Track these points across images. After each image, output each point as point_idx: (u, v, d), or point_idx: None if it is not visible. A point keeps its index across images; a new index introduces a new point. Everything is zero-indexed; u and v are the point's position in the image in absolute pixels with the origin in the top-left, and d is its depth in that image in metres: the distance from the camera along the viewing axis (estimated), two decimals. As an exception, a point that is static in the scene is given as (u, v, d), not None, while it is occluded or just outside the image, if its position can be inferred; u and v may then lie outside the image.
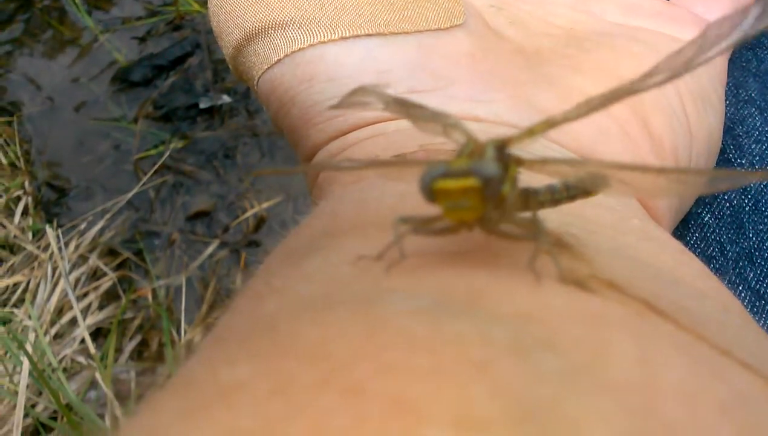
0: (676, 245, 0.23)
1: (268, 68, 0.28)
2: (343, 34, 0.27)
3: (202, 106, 1.23)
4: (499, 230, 0.16)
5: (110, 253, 1.11)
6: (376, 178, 0.23)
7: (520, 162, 0.17)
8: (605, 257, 0.18)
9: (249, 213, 1.12)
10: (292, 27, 0.28)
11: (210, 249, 1.10)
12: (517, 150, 0.17)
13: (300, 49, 0.28)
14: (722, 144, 0.36)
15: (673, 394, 0.13)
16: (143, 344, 1.02)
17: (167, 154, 1.19)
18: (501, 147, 0.16)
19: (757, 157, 0.37)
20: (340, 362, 0.12)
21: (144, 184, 1.17)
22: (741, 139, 0.37)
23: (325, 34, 0.27)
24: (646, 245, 0.21)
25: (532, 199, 0.17)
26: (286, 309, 0.15)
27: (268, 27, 0.28)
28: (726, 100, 0.36)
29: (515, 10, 0.32)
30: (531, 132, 0.17)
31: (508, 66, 0.29)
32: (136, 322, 1.04)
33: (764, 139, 0.37)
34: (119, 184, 1.19)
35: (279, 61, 0.28)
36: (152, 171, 1.18)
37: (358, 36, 0.28)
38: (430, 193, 0.15)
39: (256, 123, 1.21)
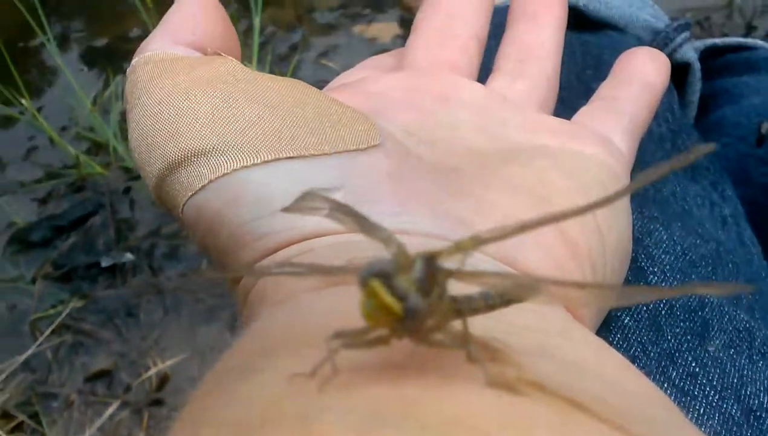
0: (598, 341, 0.24)
1: (193, 194, 0.29)
2: (265, 158, 0.29)
3: (103, 264, 1.22)
4: (428, 339, 0.17)
5: (4, 416, 1.06)
6: (305, 296, 0.24)
7: (449, 274, 0.17)
8: (531, 359, 0.18)
9: (152, 371, 1.10)
10: (215, 154, 0.29)
11: (110, 410, 1.06)
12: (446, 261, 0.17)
13: (224, 174, 0.28)
14: (634, 253, 0.38)
15: None
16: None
17: (65, 313, 1.16)
18: (430, 260, 0.17)
19: (668, 266, 0.39)
20: None
21: (40, 344, 1.13)
22: (651, 250, 0.39)
23: (248, 159, 0.28)
24: (570, 344, 0.21)
25: (464, 306, 0.18)
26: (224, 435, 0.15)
27: (191, 155, 0.29)
28: (633, 215, 0.38)
29: (425, 134, 0.34)
30: (459, 247, 0.17)
31: (425, 182, 0.30)
32: (30, 488, 0.98)
33: (671, 251, 0.40)
34: (14, 346, 1.14)
35: (204, 187, 0.29)
36: (49, 331, 1.14)
37: (279, 159, 0.29)
38: (363, 285, 0.16)
39: (160, 280, 1.20)
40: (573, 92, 0.47)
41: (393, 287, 0.16)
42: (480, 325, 0.18)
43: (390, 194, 0.29)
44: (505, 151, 0.33)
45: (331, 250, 0.27)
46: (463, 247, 0.17)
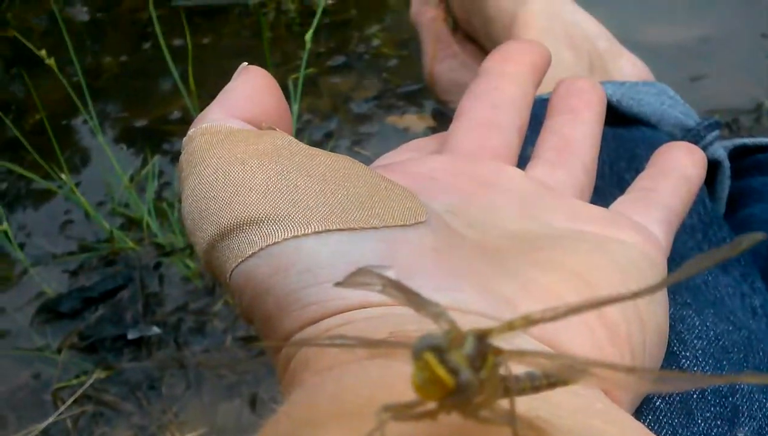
0: (638, 426, 0.24)
1: (242, 261, 0.30)
2: (316, 229, 0.29)
3: (130, 337, 1.22)
4: (476, 415, 0.17)
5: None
6: (350, 366, 0.24)
7: (499, 352, 0.17)
8: None
9: (170, 445, 1.09)
10: (267, 223, 0.29)
11: (126, 483, 1.05)
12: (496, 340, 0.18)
13: (275, 243, 0.29)
14: (668, 338, 0.39)
15: None
16: None
17: (88, 384, 1.16)
18: (481, 337, 0.17)
19: (700, 351, 0.39)
20: None
21: (61, 413, 1.13)
22: (684, 335, 0.40)
23: (299, 229, 0.29)
24: (611, 427, 0.22)
25: (511, 385, 0.18)
26: None
27: (244, 223, 0.30)
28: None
29: (468, 216, 0.34)
30: (510, 326, 0.18)
31: (470, 259, 0.31)
32: None
33: (704, 336, 0.40)
34: (35, 413, 1.14)
35: (254, 254, 0.29)
36: (71, 401, 1.14)
37: (329, 231, 0.29)
38: (417, 357, 0.16)
39: (185, 354, 1.20)
40: (606, 182, 0.49)
41: (446, 361, 0.16)
42: (525, 404, 0.18)
43: (435, 270, 0.30)
44: (548, 235, 0.34)
45: (371, 322, 0.27)
46: (515, 326, 0.18)
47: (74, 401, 1.14)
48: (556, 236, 0.34)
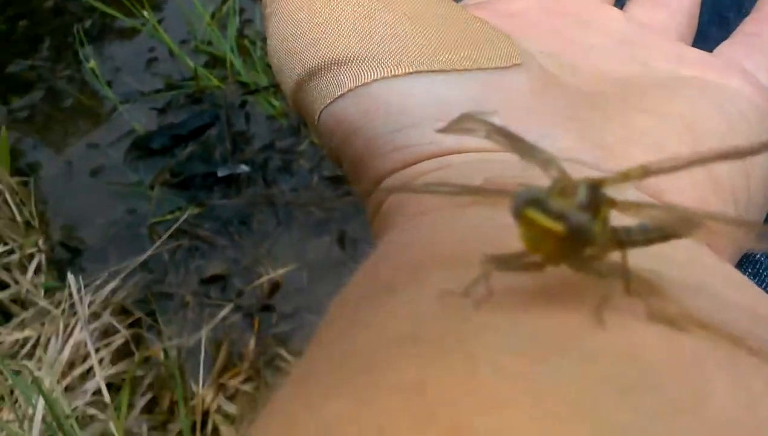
0: (749, 282, 0.23)
1: (331, 102, 0.29)
2: (407, 70, 0.28)
3: (219, 174, 1.25)
4: (586, 268, 0.16)
5: (123, 311, 1.11)
6: (448, 211, 0.23)
7: (612, 203, 0.17)
8: (689, 296, 0.18)
9: (263, 279, 1.13)
10: (356, 63, 0.28)
11: (223, 312, 1.10)
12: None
13: (365, 83, 0.28)
14: None
15: None
16: (154, 400, 1.01)
17: (183, 219, 1.20)
18: (594, 187, 0.16)
19: None
20: (440, 397, 0.12)
21: (158, 247, 1.18)
22: None
23: (390, 70, 0.28)
24: (722, 283, 0.21)
25: (623, 238, 0.17)
26: (378, 345, 0.15)
27: (332, 63, 0.29)
28: None
29: (566, 58, 0.33)
30: (626, 176, 0.17)
31: (568, 104, 0.30)
32: (147, 381, 1.03)
33: None
34: (133, 247, 1.19)
35: (342, 95, 0.28)
36: (167, 235, 1.19)
37: (420, 72, 0.28)
38: (518, 216, 0.15)
39: (273, 192, 1.22)
40: (705, 21, 0.46)
41: (549, 210, 0.15)
42: (635, 257, 0.17)
43: (531, 115, 0.29)
44: (650, 80, 0.32)
45: (468, 167, 0.26)
46: (630, 176, 0.17)
47: (170, 236, 1.19)
48: (659, 81, 0.32)
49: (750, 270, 0.35)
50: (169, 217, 1.22)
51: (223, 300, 1.12)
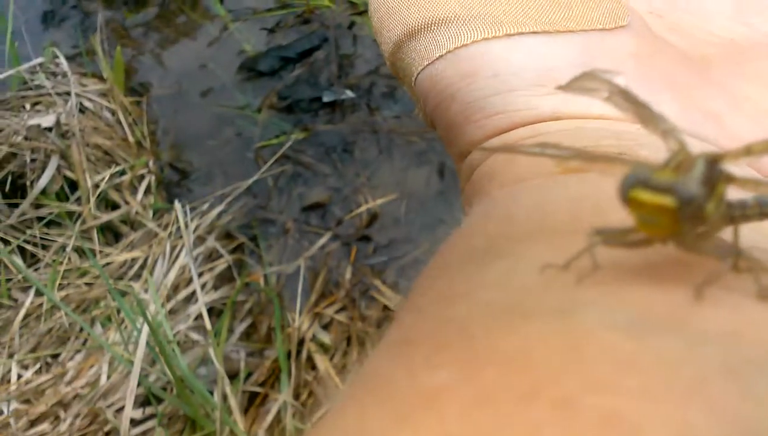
0: None
1: (429, 64, 0.28)
2: (508, 32, 0.27)
3: (325, 99, 1.25)
4: (696, 246, 0.16)
5: (227, 236, 1.14)
6: (547, 180, 0.23)
7: (730, 179, 0.16)
8: None
9: (362, 208, 1.14)
10: (455, 23, 0.28)
11: (322, 240, 1.12)
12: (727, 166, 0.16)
13: (463, 45, 0.27)
14: None
15: None
16: (252, 326, 1.05)
17: (288, 144, 1.21)
18: (713, 162, 0.16)
19: None
20: (545, 373, 0.12)
21: (263, 172, 1.20)
22: None
23: (490, 31, 0.27)
24: None
25: (737, 212, 0.17)
26: (478, 315, 0.15)
27: (431, 23, 0.28)
28: None
29: (675, 18, 0.31)
30: (749, 150, 0.16)
31: (674, 68, 0.28)
32: (247, 306, 1.06)
33: None
34: (239, 171, 1.21)
35: (441, 57, 0.28)
36: (272, 160, 1.20)
37: (522, 33, 0.27)
38: (626, 199, 0.15)
39: (377, 120, 1.22)
40: None
41: (657, 186, 0.15)
42: (745, 235, 0.17)
43: (635, 79, 0.27)
44: (761, 44, 0.31)
45: (565, 135, 0.26)
46: (753, 151, 0.16)
47: (275, 160, 1.21)
48: (766, 45, 0.31)
49: None
50: (274, 141, 1.24)
51: (323, 228, 1.14)
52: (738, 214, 0.17)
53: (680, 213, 0.15)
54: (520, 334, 0.13)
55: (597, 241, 0.16)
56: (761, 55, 0.30)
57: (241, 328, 1.03)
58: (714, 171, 0.16)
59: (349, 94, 1.25)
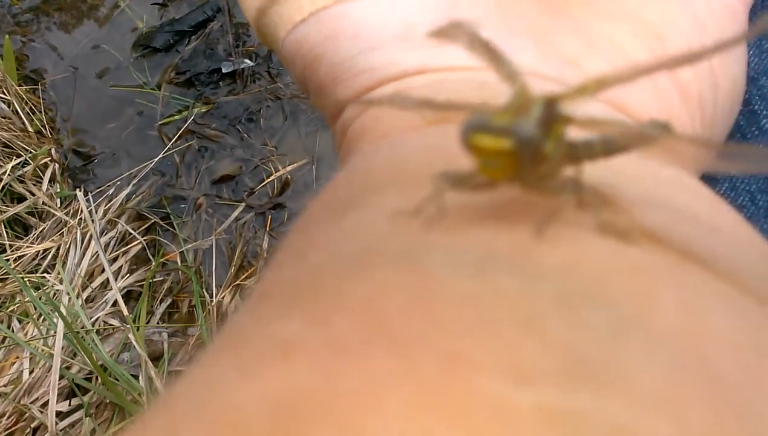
0: (710, 194, 0.22)
1: (293, 28, 0.28)
2: None
3: (224, 70, 1.24)
4: (540, 185, 0.16)
5: (138, 217, 1.13)
6: (407, 133, 0.23)
7: (568, 120, 0.16)
8: (643, 208, 0.17)
9: (273, 176, 1.13)
10: None
11: (236, 212, 1.11)
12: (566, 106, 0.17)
13: (324, 7, 0.28)
14: (747, 95, 0.36)
15: (720, 344, 0.13)
16: (173, 306, 1.04)
17: (191, 119, 1.20)
18: (550, 104, 0.16)
19: None
20: (389, 317, 0.12)
21: (169, 149, 1.18)
22: (766, 90, 0.37)
23: None
24: (682, 195, 0.21)
25: (581, 151, 0.17)
26: (331, 265, 0.15)
27: None
28: (749, 51, 0.36)
29: None
30: (583, 90, 0.17)
31: (532, 13, 0.29)
32: (166, 285, 1.05)
33: None
34: (144, 150, 1.20)
35: (303, 20, 0.28)
36: (177, 136, 1.19)
37: None
38: (466, 144, 0.15)
39: (279, 86, 1.21)
40: None
41: (494, 130, 0.15)
42: (588, 173, 0.17)
43: (494, 27, 0.28)
44: None
45: (429, 88, 0.26)
46: (587, 90, 0.17)
47: (179, 136, 1.19)
48: None
49: (726, 184, 0.35)
50: (177, 117, 1.22)
51: (235, 200, 1.13)
52: (583, 152, 0.17)
53: (519, 154, 0.15)
54: (368, 281, 0.14)
55: (444, 185, 0.16)
56: None
57: (161, 309, 1.02)
58: (552, 112, 0.16)
59: (248, 63, 1.24)
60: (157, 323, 1.00)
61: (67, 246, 1.06)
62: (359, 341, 0.12)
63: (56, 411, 0.88)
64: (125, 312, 0.96)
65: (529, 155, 0.15)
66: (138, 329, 0.95)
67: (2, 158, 1.16)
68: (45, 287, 1.01)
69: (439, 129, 0.22)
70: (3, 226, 1.10)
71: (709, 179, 0.34)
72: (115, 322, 0.98)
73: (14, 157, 1.16)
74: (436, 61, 0.26)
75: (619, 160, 0.18)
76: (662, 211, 0.18)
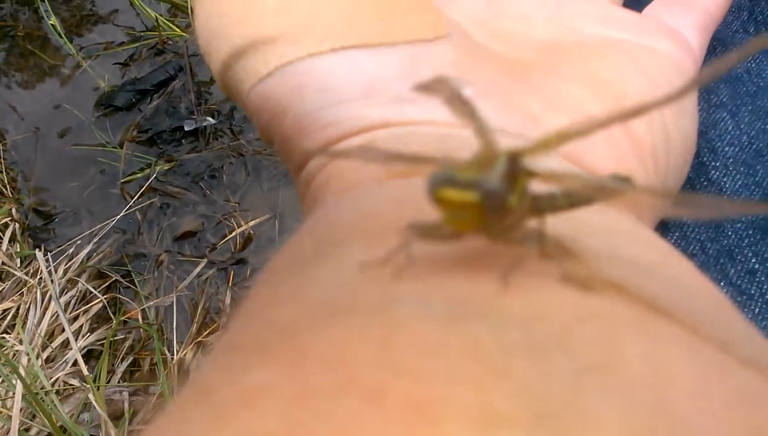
0: (665, 245, 0.23)
1: (259, 81, 0.29)
2: (333, 46, 0.28)
3: (186, 128, 1.24)
4: (505, 236, 0.16)
5: (99, 276, 1.12)
6: (371, 186, 0.24)
7: (532, 174, 0.17)
8: (603, 259, 0.18)
9: (236, 232, 1.13)
10: (282, 41, 0.28)
11: (198, 268, 1.11)
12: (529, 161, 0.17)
13: (290, 61, 0.28)
14: (697, 147, 0.37)
15: (683, 391, 0.13)
16: (135, 364, 1.03)
17: (153, 176, 1.20)
18: (514, 158, 0.16)
19: (731, 159, 0.38)
20: (359, 367, 0.12)
21: (130, 207, 1.18)
22: (714, 143, 0.38)
23: (315, 47, 0.28)
24: (638, 246, 0.21)
25: (545, 204, 0.18)
26: (301, 315, 0.15)
27: (257, 42, 0.28)
28: (699, 106, 0.37)
29: (495, 25, 0.32)
30: (545, 144, 0.17)
31: (494, 74, 0.30)
32: (127, 343, 1.04)
33: (737, 142, 0.38)
34: (106, 209, 1.19)
35: (269, 74, 0.28)
36: (138, 193, 1.19)
37: (346, 48, 0.28)
38: (433, 198, 0.16)
39: (241, 143, 1.22)
40: None
41: (460, 183, 0.16)
42: (551, 225, 0.17)
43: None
44: (578, 44, 0.32)
45: (392, 142, 0.26)
46: (547, 144, 0.17)
47: (141, 194, 1.19)
48: (585, 45, 0.32)
49: (677, 233, 0.35)
50: (139, 174, 1.22)
51: (197, 256, 1.13)
52: (547, 205, 0.18)
53: (484, 207, 0.16)
54: (338, 330, 0.14)
55: (412, 236, 0.16)
56: (575, 55, 0.31)
57: (122, 367, 1.01)
58: (516, 166, 0.16)
59: (210, 120, 1.25)
60: (118, 381, 0.99)
61: (27, 306, 1.05)
62: (330, 390, 0.12)
63: (14, 474, 0.86)
64: (85, 372, 0.95)
65: (494, 208, 0.16)
66: (98, 389, 0.94)
67: (-38, 219, 1.15)
68: (4, 348, 0.99)
69: (404, 182, 0.23)
70: (-38, 286, 1.09)
71: (661, 229, 0.35)
72: (75, 382, 0.97)
73: (-26, 217, 1.15)
74: (400, 115, 0.27)
75: (579, 212, 0.18)
76: (621, 262, 0.19)
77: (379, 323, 0.14)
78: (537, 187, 0.17)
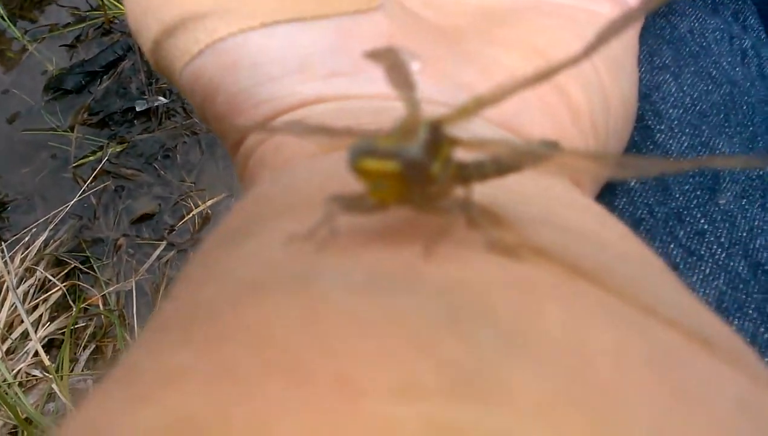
0: (599, 209, 0.23)
1: (190, 60, 0.28)
2: (264, 21, 0.28)
3: (138, 109, 1.22)
4: (430, 206, 0.16)
5: (57, 263, 1.10)
6: (304, 161, 0.23)
7: (455, 142, 0.17)
8: (532, 226, 0.18)
9: (194, 212, 1.12)
10: (211, 17, 0.28)
11: (157, 251, 1.10)
12: (453, 128, 0.17)
13: (220, 38, 0.28)
14: (641, 111, 0.37)
15: (601, 354, 0.13)
16: (98, 351, 1.02)
17: (106, 159, 1.18)
18: (435, 127, 0.16)
19: (676, 122, 0.38)
20: (281, 343, 0.12)
21: (84, 191, 1.16)
22: (658, 105, 0.38)
23: (245, 23, 0.28)
24: (570, 211, 0.21)
25: (472, 172, 0.17)
26: (225, 294, 0.15)
27: (187, 19, 0.28)
28: (641, 68, 0.37)
29: None
30: (464, 111, 0.17)
31: (427, 44, 0.29)
32: (89, 330, 1.03)
33: (680, 104, 0.38)
34: (59, 194, 1.17)
35: (200, 52, 0.28)
36: (92, 177, 1.17)
37: (278, 23, 0.28)
38: (354, 169, 0.16)
39: (194, 121, 1.20)
40: None
41: (380, 153, 0.15)
42: (479, 192, 0.17)
43: None
44: (511, 9, 0.32)
45: (326, 116, 0.26)
46: (467, 110, 0.17)
47: (94, 177, 1.17)
48: (521, 10, 0.32)
49: (625, 199, 0.35)
50: (91, 157, 1.20)
51: (156, 239, 1.11)
52: (474, 173, 0.18)
53: (406, 176, 0.16)
54: (260, 306, 0.14)
55: (336, 208, 0.16)
56: (510, 20, 0.31)
57: (85, 356, 1.00)
58: (438, 134, 0.16)
59: (162, 100, 1.23)
60: (82, 370, 0.98)
61: (-16, 298, 1.04)
62: (251, 367, 0.12)
63: (-20, 469, 0.85)
64: (47, 362, 0.94)
65: (416, 177, 0.16)
66: (62, 379, 0.93)
67: None
68: (-37, 342, 0.98)
69: (335, 155, 0.23)
70: None
71: (608, 194, 0.35)
72: (37, 373, 0.96)
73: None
74: (334, 90, 0.26)
75: (511, 179, 0.18)
76: (550, 228, 0.19)
77: (300, 298, 0.14)
78: (466, 155, 0.17)
